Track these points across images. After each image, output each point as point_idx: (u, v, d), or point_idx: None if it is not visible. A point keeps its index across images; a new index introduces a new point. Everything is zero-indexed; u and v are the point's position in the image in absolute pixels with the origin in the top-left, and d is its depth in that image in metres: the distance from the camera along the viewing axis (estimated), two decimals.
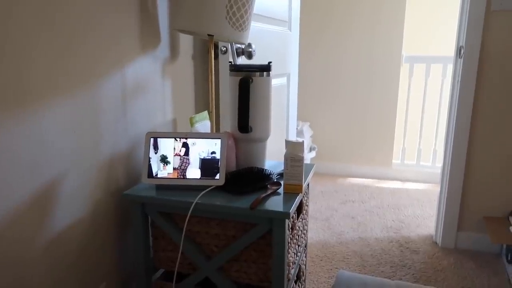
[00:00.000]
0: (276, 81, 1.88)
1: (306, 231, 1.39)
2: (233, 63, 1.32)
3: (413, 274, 1.75)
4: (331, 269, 1.79)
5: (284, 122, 2.10)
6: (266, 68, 1.20)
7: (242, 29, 1.25)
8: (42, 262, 0.94)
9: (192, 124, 1.30)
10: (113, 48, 1.10)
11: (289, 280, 1.10)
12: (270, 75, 1.22)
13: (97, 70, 1.06)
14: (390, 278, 1.73)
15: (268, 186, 1.12)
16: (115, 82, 1.13)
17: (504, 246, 1.84)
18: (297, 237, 1.21)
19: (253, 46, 1.57)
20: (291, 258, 1.12)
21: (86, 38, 1.01)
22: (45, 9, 0.88)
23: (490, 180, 1.91)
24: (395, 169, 3.17)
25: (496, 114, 1.86)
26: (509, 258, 1.75)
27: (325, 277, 1.73)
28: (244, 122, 1.19)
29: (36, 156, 0.90)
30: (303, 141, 1.10)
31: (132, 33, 1.18)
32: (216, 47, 1.54)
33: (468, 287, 1.64)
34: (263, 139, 1.25)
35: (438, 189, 2.09)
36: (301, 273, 1.36)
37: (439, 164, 2.85)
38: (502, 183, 1.90)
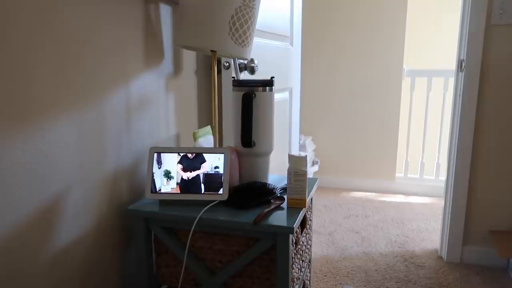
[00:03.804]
0: (278, 96, 1.90)
1: (310, 246, 1.38)
2: (236, 78, 1.34)
3: None
4: (335, 285, 1.77)
5: (287, 136, 2.11)
6: (268, 83, 1.21)
7: (245, 44, 1.27)
8: (46, 278, 0.94)
9: (195, 139, 1.30)
10: (117, 63, 1.12)
11: None
12: (273, 90, 1.23)
13: (101, 85, 1.07)
14: None
15: (272, 200, 1.12)
16: (119, 97, 1.14)
17: (511, 260, 1.82)
18: (301, 252, 1.20)
19: (255, 61, 1.58)
20: (295, 274, 1.11)
21: (91, 53, 1.02)
22: (49, 26, 0.90)
23: (495, 193, 1.90)
24: (398, 183, 3.16)
25: (499, 126, 1.86)
26: None
27: None
28: (247, 136, 1.19)
29: (40, 170, 0.90)
30: (306, 156, 1.10)
31: (136, 48, 1.20)
32: (219, 62, 1.56)
33: None
34: (266, 154, 1.25)
35: (442, 202, 2.08)
36: None
37: (443, 177, 2.84)
38: (507, 195, 1.88)
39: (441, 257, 2.03)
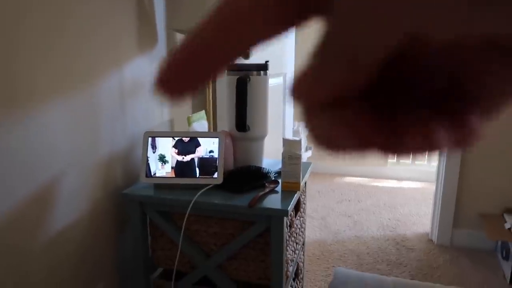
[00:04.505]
0: (272, 81, 1.89)
1: (304, 229, 1.40)
2: None
3: (409, 272, 1.77)
4: (328, 268, 1.80)
5: (281, 122, 2.11)
6: (263, 67, 1.21)
7: None
8: (42, 262, 0.94)
9: (189, 123, 1.30)
10: (111, 48, 1.11)
11: (287, 277, 1.11)
12: (267, 74, 1.22)
13: (96, 70, 1.06)
14: (387, 276, 1.74)
15: (266, 184, 1.13)
16: (113, 82, 1.13)
17: (499, 242, 1.86)
18: (295, 234, 1.22)
19: None
20: (289, 256, 1.13)
21: (85, 38, 1.01)
22: (46, 12, 0.88)
23: (485, 178, 1.93)
24: (390, 168, 3.19)
25: None
26: (504, 255, 1.77)
27: (322, 275, 1.74)
28: (241, 121, 1.19)
29: (35, 155, 0.90)
30: (300, 140, 1.11)
31: (129, 33, 1.18)
32: None
33: (464, 284, 1.66)
34: (260, 138, 1.26)
35: (434, 187, 2.11)
36: (299, 271, 1.37)
37: (434, 162, 2.87)
38: (496, 180, 1.92)
39: (432, 240, 2.07)
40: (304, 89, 0.13)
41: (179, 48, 0.13)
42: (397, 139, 0.13)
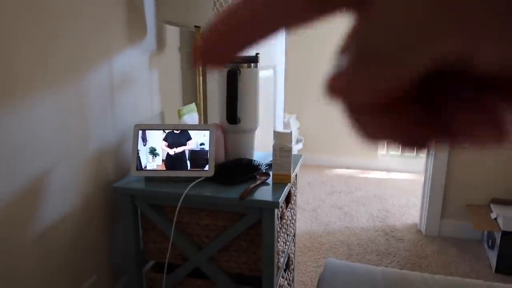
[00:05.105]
0: (262, 74, 1.89)
1: (295, 220, 1.41)
2: None
3: (398, 262, 1.80)
4: (319, 259, 1.82)
5: (271, 114, 2.12)
6: (253, 60, 1.21)
7: None
8: (32, 255, 0.94)
9: (180, 116, 1.30)
10: (100, 40, 1.10)
11: (278, 268, 1.12)
12: (258, 67, 1.22)
13: (84, 62, 1.05)
14: (376, 266, 1.76)
15: (257, 176, 1.14)
16: (103, 74, 1.12)
17: (486, 232, 1.90)
18: (286, 226, 1.23)
19: None
20: (280, 247, 1.14)
21: (73, 30, 1.00)
22: (32, 4, 0.87)
23: (471, 169, 1.97)
24: (380, 160, 3.22)
25: None
26: (490, 244, 1.81)
27: (313, 266, 1.76)
28: (232, 113, 1.19)
29: (23, 149, 0.89)
30: (291, 132, 1.11)
31: (118, 25, 1.17)
32: None
33: (451, 273, 1.69)
34: (251, 130, 1.26)
35: (422, 179, 2.14)
36: (290, 262, 1.38)
37: (423, 154, 2.90)
38: (483, 171, 1.95)
39: (420, 231, 2.10)
40: (343, 90, 0.12)
41: (218, 20, 0.13)
42: (462, 128, 0.12)
